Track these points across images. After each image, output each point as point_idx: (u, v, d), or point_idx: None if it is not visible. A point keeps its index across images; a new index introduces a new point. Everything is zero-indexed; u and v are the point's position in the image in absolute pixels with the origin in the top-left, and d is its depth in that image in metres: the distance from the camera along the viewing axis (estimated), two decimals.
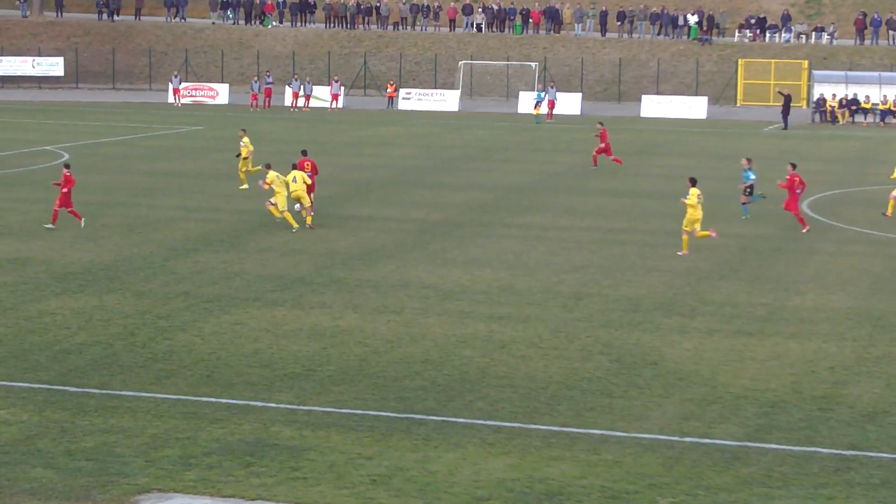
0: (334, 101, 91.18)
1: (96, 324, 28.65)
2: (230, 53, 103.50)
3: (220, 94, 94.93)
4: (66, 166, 40.48)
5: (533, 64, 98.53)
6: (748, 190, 43.67)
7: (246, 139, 50.84)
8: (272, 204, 40.83)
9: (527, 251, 38.07)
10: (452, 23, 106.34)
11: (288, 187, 40.67)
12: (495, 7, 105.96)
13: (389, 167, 58.32)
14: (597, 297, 32.03)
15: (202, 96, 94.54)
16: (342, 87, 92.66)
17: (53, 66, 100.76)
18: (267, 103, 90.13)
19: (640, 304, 31.38)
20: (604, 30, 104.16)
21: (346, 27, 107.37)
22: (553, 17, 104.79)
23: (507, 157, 62.84)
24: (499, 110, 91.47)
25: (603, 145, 57.79)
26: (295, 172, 41.39)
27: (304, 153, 44.54)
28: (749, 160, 44.41)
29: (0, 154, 58.40)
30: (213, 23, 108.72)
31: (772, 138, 76.17)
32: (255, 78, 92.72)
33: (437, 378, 24.95)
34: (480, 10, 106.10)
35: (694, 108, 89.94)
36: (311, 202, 41.70)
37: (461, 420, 22.44)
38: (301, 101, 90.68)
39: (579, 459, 20.45)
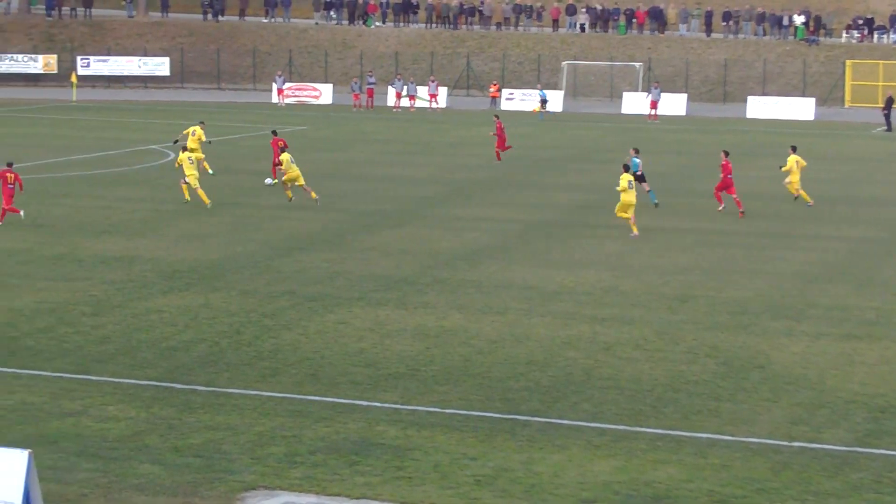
0: (432, 101, 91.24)
1: (202, 322, 28.88)
2: (333, 53, 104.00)
3: (324, 94, 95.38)
4: (9, 164, 40.76)
5: (637, 64, 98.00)
6: (642, 178, 45.16)
7: (198, 129, 52.58)
8: (185, 182, 44.58)
9: (630, 252, 37.82)
10: (556, 23, 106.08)
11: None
12: (599, 7, 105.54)
13: (492, 167, 58.23)
14: (702, 300, 31.74)
15: (306, 96, 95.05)
16: (439, 87, 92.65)
17: (159, 65, 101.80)
18: (370, 103, 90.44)
19: (747, 306, 31.04)
20: (709, 30, 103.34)
21: (449, 27, 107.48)
22: (657, 18, 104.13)
23: (611, 158, 62.42)
24: (602, 111, 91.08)
25: (498, 139, 59.99)
26: (288, 154, 45.64)
27: (275, 133, 49.03)
28: (636, 150, 46.21)
29: (106, 153, 59.10)
30: (317, 23, 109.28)
31: (879, 140, 75.13)
32: (356, 79, 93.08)
33: (542, 379, 24.85)
34: (584, 10, 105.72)
35: (801, 109, 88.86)
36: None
37: (566, 422, 22.33)
38: (405, 102, 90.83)
39: (686, 463, 20.26)
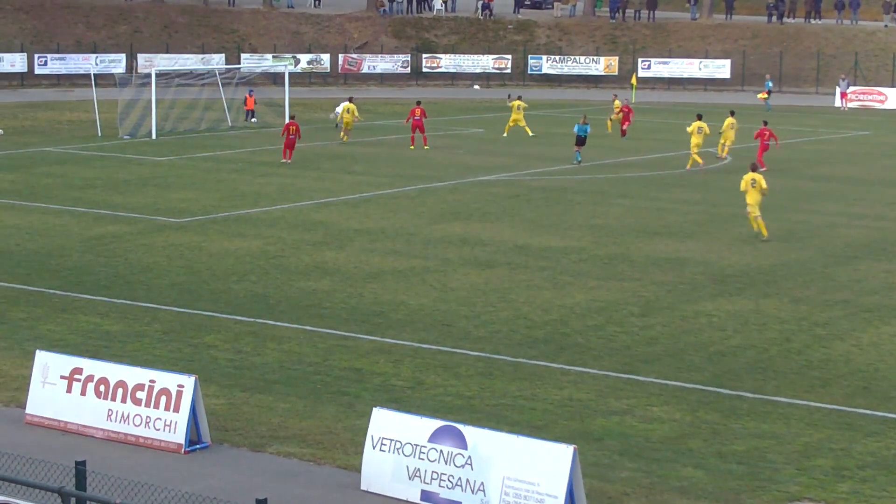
0: None
1: (752, 328, 28.40)
2: None
3: (890, 98, 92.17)
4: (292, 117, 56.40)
5: None
6: (583, 141, 55.49)
7: (350, 105, 62.83)
8: None
9: None
10: None
11: None
12: None
13: None
14: None
15: (870, 100, 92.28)
16: None
17: (720, 68, 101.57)
18: None
19: None
20: None
21: None
22: None
23: None
24: None
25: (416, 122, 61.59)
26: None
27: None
28: (585, 117, 57.24)
29: (663, 155, 59.48)
30: (886, 25, 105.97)
31: None
32: (843, 77, 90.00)
33: None
34: None
35: None
36: None
37: None
38: None
39: None
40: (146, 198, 44.77)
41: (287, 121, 56.56)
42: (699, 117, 55.58)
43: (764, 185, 38.78)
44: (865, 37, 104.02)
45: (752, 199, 38.65)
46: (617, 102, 71.10)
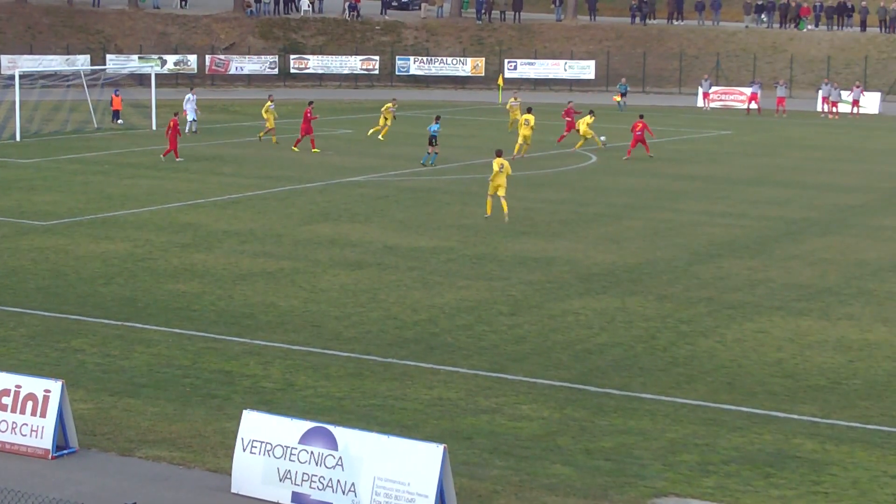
0: (854, 108, 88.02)
1: (618, 325, 28.78)
2: (762, 57, 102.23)
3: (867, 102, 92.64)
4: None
5: None
6: (433, 141, 55.40)
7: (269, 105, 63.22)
8: None
9: None
10: None
11: None
12: None
13: None
14: None
15: (732, 100, 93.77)
16: (865, 92, 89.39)
17: (585, 69, 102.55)
18: (782, 111, 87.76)
19: None
20: None
21: (886, 31, 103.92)
22: None
23: None
24: None
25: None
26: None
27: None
28: (437, 117, 57.01)
29: (530, 155, 59.87)
30: (747, 26, 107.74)
31: None
32: (706, 77, 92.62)
33: None
34: None
35: None
36: None
37: None
38: (845, 108, 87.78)
39: None
40: (10, 201, 44.14)
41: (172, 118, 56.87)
42: (529, 110, 59.64)
43: (510, 171, 42.38)
44: (727, 38, 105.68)
45: (500, 181, 41.77)
46: (513, 104, 72.49)
